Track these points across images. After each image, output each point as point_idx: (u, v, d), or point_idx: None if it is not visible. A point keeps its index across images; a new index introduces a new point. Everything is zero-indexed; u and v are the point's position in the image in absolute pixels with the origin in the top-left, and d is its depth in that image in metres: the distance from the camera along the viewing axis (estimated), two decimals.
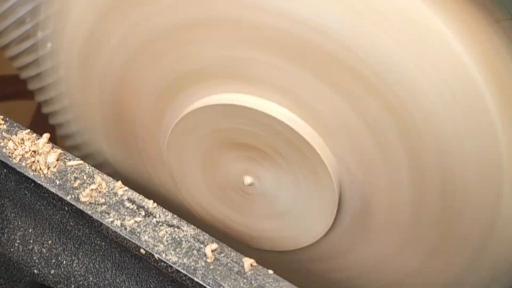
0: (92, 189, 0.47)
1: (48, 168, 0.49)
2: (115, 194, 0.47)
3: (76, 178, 0.48)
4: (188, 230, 0.44)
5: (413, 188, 0.43)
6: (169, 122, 0.48)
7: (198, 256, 0.43)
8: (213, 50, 0.42)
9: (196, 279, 0.41)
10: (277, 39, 0.39)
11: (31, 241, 0.51)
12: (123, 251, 0.46)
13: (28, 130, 0.51)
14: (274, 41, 0.40)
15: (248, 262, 0.42)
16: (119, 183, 0.47)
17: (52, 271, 0.50)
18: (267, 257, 0.51)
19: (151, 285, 0.46)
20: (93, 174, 0.49)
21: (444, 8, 0.37)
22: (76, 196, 0.47)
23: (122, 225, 0.44)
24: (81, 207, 0.46)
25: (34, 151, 0.50)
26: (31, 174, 0.49)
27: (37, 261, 0.51)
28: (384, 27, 0.38)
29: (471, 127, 0.39)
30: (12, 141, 0.51)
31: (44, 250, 0.50)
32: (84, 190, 0.47)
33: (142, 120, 0.51)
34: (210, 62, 0.43)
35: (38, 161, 0.50)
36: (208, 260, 0.42)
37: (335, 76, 0.40)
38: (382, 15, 0.37)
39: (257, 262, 0.42)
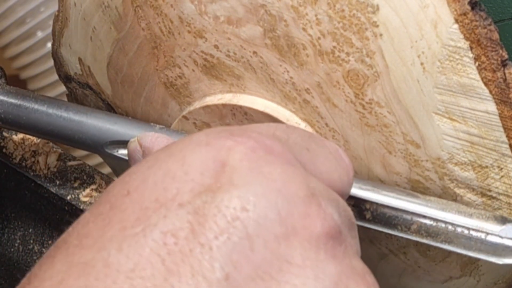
0: (92, 189, 0.47)
1: (48, 168, 0.49)
2: None
3: (76, 178, 0.48)
4: None
5: None
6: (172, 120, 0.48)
7: None
8: None
9: None
10: None
11: (31, 241, 0.51)
12: None
13: None
14: None
15: None
16: None
17: None
18: None
19: None
20: (93, 174, 0.49)
21: None
22: (76, 196, 0.47)
23: None
24: (81, 207, 0.46)
25: (34, 151, 0.50)
26: (31, 174, 0.49)
27: (37, 261, 0.51)
28: None
29: None
30: (12, 141, 0.51)
31: (44, 250, 0.50)
32: (84, 190, 0.48)
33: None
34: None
35: (38, 161, 0.50)
36: None
37: None
38: None
39: None
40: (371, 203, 0.38)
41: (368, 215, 0.38)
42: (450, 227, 0.36)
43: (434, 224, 0.36)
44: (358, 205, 0.38)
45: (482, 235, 0.35)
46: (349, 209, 0.28)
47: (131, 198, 0.25)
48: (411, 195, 0.38)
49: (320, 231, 0.25)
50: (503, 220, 0.36)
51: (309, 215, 0.25)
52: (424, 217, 0.37)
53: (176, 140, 0.29)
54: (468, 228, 0.36)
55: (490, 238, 0.35)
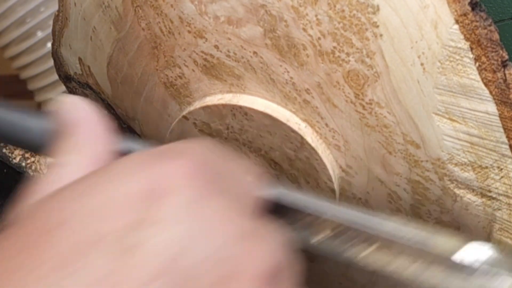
0: None
1: (48, 168, 0.49)
2: None
3: None
4: None
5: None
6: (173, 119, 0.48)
7: None
8: None
9: None
10: None
11: None
12: None
13: None
14: None
15: None
16: None
17: None
18: None
19: None
20: None
21: None
22: None
23: None
24: None
25: None
26: (31, 174, 0.49)
27: None
28: None
29: None
30: None
31: None
32: None
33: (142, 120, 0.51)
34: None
35: (38, 161, 0.50)
36: None
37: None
38: None
39: None
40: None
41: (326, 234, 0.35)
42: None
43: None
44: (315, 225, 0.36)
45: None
46: (286, 236, 0.26)
47: (50, 239, 0.22)
48: (375, 216, 0.35)
49: (261, 270, 0.24)
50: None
51: (249, 254, 0.24)
52: None
53: (102, 168, 0.25)
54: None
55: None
